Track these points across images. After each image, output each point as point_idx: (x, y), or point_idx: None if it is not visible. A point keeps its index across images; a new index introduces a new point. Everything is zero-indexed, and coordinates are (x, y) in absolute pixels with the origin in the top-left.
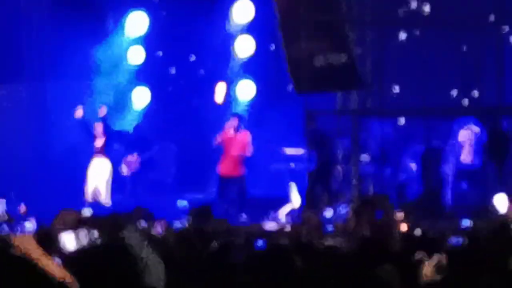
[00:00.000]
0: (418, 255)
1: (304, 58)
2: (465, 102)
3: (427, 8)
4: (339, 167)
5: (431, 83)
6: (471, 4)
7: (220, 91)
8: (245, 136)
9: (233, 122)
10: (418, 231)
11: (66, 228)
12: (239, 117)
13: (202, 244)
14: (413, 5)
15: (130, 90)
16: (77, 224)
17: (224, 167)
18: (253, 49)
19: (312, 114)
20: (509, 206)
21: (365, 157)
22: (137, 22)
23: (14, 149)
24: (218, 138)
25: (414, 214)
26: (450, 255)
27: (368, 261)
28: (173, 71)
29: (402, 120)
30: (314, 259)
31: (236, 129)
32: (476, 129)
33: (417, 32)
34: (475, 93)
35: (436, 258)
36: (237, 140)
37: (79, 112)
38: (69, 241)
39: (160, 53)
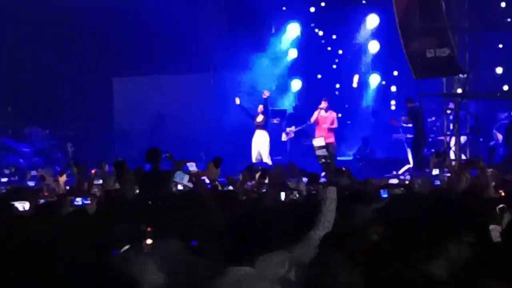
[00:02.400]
0: (501, 205)
1: (419, 52)
2: None
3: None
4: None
5: None
6: None
7: (355, 80)
8: (332, 114)
9: (324, 104)
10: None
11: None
12: (328, 100)
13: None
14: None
15: (288, 78)
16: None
17: (319, 137)
18: (379, 48)
19: (412, 96)
20: None
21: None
22: (293, 30)
23: (201, 124)
24: (314, 117)
25: (501, 172)
26: None
27: (467, 207)
28: (319, 63)
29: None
30: (424, 204)
31: (326, 109)
32: None
33: (504, 35)
34: None
35: None
36: (327, 117)
37: (237, 100)
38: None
39: (318, 37)
